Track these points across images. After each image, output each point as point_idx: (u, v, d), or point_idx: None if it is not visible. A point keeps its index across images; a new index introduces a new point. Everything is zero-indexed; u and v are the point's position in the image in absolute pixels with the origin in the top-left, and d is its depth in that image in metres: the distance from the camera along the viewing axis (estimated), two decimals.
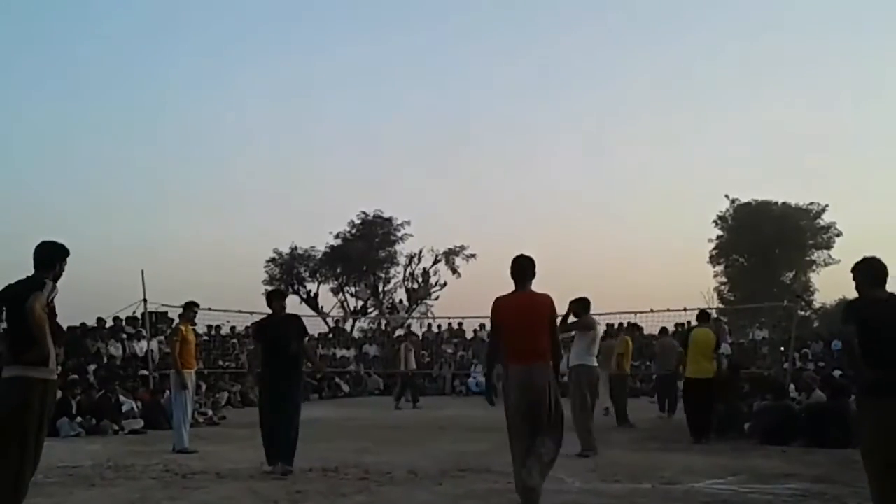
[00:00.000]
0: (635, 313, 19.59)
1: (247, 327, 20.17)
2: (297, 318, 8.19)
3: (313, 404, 16.95)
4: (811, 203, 32.63)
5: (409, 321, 28.07)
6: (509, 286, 5.77)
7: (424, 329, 25.85)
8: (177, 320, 11.03)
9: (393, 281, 32.92)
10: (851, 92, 41.85)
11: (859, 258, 5.07)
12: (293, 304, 26.47)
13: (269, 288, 26.68)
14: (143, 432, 11.90)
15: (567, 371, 9.67)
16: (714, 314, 18.14)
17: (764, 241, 32.15)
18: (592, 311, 9.48)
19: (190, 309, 10.05)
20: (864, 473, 4.90)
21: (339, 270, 32.14)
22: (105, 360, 16.14)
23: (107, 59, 40.70)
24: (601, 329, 10.91)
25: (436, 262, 32.22)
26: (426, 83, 44.11)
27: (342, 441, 10.29)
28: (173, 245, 39.28)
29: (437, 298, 32.39)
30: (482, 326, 22.52)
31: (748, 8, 42.59)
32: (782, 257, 33.03)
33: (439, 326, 25.69)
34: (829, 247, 32.93)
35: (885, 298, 4.92)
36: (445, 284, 32.19)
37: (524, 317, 5.61)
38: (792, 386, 13.23)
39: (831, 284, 35.52)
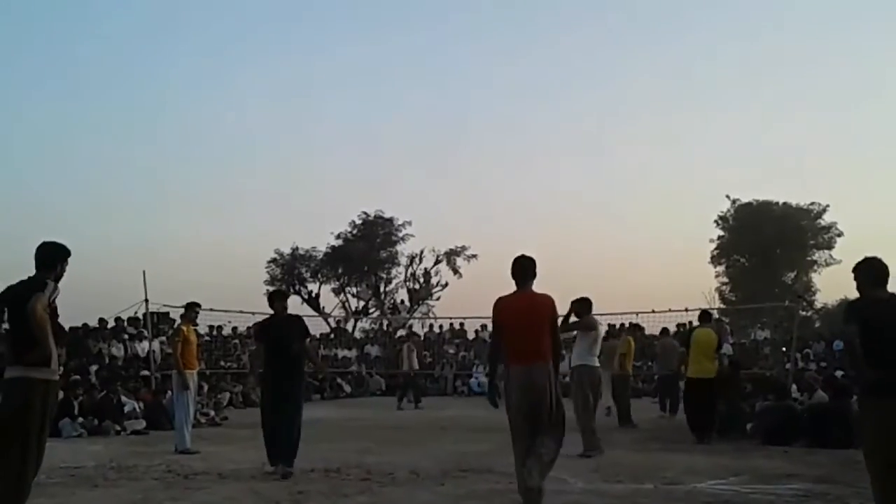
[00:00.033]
0: (637, 313, 19.52)
1: (248, 328, 20.16)
2: (298, 319, 8.20)
3: (315, 405, 16.97)
4: (812, 203, 32.69)
5: (411, 321, 28.08)
6: (510, 286, 5.76)
7: (426, 329, 25.85)
8: (178, 321, 11.01)
9: (394, 281, 33.05)
10: (851, 92, 41.86)
11: (860, 258, 5.07)
12: (295, 305, 26.48)
13: (271, 288, 26.79)
14: (145, 433, 11.91)
15: (569, 371, 9.68)
16: (715, 314, 18.16)
17: (765, 242, 32.15)
18: (594, 312, 9.49)
19: (191, 309, 10.05)
20: (866, 474, 4.90)
21: (340, 271, 32.18)
22: (107, 360, 16.16)
23: (107, 59, 40.84)
24: (603, 329, 10.92)
25: (437, 262, 32.35)
26: (426, 83, 44.23)
27: (344, 441, 10.28)
28: (174, 245, 39.38)
29: (438, 299, 32.55)
30: (484, 327, 22.54)
31: (748, 8, 42.67)
32: (783, 257, 33.00)
33: (441, 327, 25.73)
34: (830, 247, 32.94)
35: (886, 298, 4.92)
36: (447, 285, 32.34)
37: (525, 317, 5.60)
38: (794, 386, 13.23)
39: (832, 284, 35.61)
